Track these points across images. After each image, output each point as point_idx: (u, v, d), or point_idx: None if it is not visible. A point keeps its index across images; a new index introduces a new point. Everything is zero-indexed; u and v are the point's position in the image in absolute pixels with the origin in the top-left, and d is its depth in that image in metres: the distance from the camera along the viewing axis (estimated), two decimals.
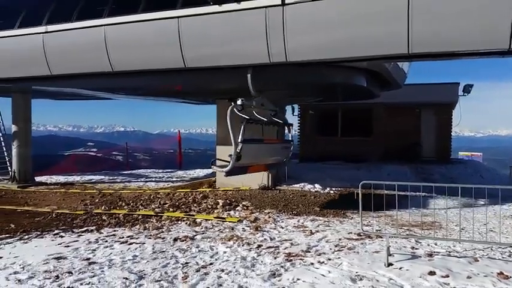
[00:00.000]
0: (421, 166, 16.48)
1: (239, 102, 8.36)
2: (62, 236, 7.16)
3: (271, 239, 6.58)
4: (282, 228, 7.35)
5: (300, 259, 5.49)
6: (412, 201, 9.02)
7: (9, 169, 15.27)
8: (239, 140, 7.95)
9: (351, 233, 6.87)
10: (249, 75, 8.91)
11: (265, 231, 7.14)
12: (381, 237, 6.36)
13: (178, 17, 8.75)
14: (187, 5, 8.73)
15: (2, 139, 15.74)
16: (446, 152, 18.56)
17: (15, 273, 5.24)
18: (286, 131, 10.86)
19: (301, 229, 7.22)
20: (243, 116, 8.32)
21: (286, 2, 7.68)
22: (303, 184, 11.92)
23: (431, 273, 4.77)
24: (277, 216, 8.38)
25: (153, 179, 16.28)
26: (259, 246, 6.20)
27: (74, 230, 7.63)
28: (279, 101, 11.88)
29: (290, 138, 10.81)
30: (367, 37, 7.30)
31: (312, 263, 5.30)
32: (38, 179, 15.80)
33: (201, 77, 9.59)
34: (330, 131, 18.82)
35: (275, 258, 5.57)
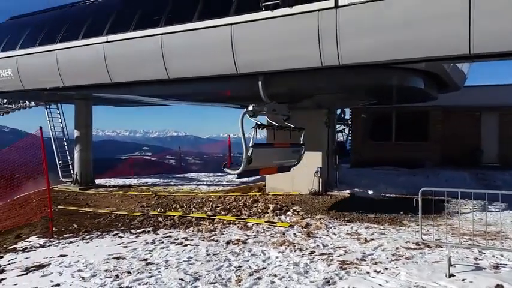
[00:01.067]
0: (481, 172, 15.48)
1: (250, 108, 8.61)
2: (120, 237, 7.50)
3: (323, 246, 6.46)
4: (335, 235, 7.20)
5: (355, 267, 5.34)
6: (474, 210, 8.52)
7: (72, 172, 16.26)
8: (250, 145, 8.14)
9: (409, 241, 6.59)
10: (260, 82, 9.19)
11: (317, 237, 7.03)
12: (441, 247, 6.04)
13: (230, 24, 8.90)
14: (239, 12, 8.86)
15: (65, 143, 16.80)
16: (510, 158, 17.32)
17: (79, 271, 5.55)
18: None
19: (355, 236, 7.03)
20: (255, 121, 8.58)
21: (340, 4, 7.57)
22: (355, 190, 11.63)
23: (499, 286, 4.46)
24: (329, 222, 8.23)
25: (205, 183, 16.62)
26: (311, 252, 6.11)
27: (132, 231, 7.96)
28: (329, 104, 11.72)
29: (301, 142, 10.61)
30: (426, 37, 7.00)
31: (368, 272, 5.14)
32: (97, 181, 16.68)
33: (252, 82, 9.67)
34: (383, 135, 18.20)
35: (328, 265, 5.46)
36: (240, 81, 9.85)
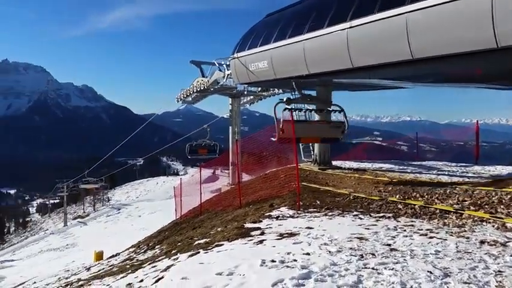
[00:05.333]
0: None
1: (284, 99, 14.47)
2: (361, 218, 7.64)
3: None
4: None
5: None
6: None
7: (312, 153, 17.65)
8: (281, 122, 12.81)
9: None
10: None
11: None
12: None
13: None
14: None
15: None
16: None
17: (325, 244, 5.94)
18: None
19: None
20: (287, 107, 14.28)
21: None
22: None
23: None
24: None
25: (446, 173, 15.16)
26: None
27: (371, 214, 8.01)
28: None
29: (342, 120, 14.71)
30: None
31: None
32: (333, 163, 17.57)
33: None
34: None
35: None
36: (496, 57, 8.44)
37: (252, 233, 7.11)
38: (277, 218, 8.25)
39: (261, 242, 6.37)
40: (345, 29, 11.21)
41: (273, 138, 13.65)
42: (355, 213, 8.14)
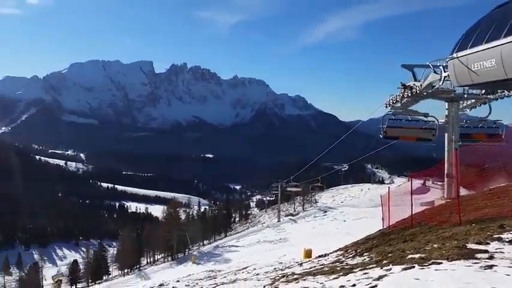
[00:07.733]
0: None
1: (391, 112, 20.84)
2: None
3: None
4: None
5: None
6: None
7: None
8: (385, 126, 20.28)
9: None
10: None
11: None
12: None
13: None
14: None
15: None
16: None
17: None
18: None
19: None
20: (392, 117, 20.92)
21: None
22: None
23: None
24: None
25: None
26: None
27: None
28: None
29: (433, 127, 20.94)
30: None
31: None
32: None
33: None
34: None
35: None
36: None
37: (478, 255, 6.33)
38: (510, 242, 7.09)
39: (490, 267, 5.61)
40: None
41: (380, 135, 19.71)
42: None
